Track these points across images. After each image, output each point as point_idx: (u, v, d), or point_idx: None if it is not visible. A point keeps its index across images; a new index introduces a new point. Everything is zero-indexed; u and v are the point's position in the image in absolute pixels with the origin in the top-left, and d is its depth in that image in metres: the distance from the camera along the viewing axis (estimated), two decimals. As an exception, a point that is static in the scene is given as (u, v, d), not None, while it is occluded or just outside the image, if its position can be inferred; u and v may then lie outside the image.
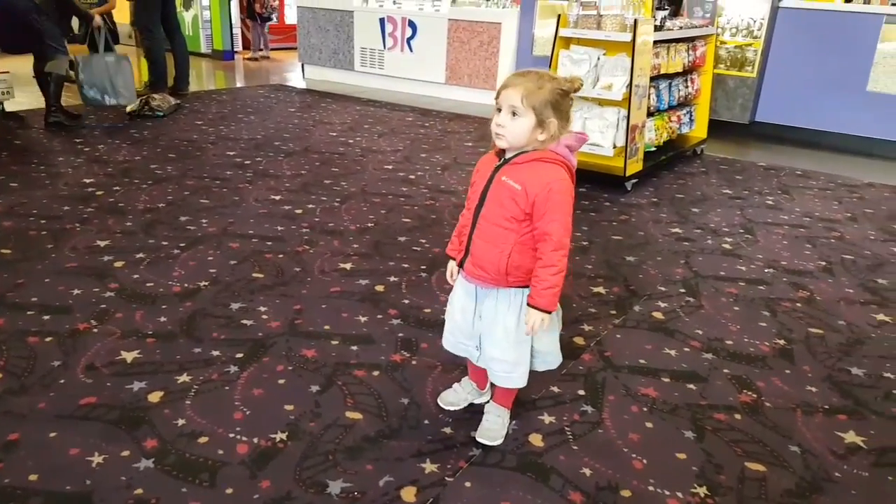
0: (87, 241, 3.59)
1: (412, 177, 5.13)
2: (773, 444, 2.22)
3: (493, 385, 2.23)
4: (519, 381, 2.09)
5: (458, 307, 2.11)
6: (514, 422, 2.25)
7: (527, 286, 1.95)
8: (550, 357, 2.13)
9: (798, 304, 3.26)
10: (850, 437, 2.28)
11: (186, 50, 8.25)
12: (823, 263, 3.78)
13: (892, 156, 6.47)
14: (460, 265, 2.06)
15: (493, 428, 2.16)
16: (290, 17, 13.73)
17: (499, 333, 2.02)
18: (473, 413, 2.28)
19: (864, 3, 7.59)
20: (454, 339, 2.17)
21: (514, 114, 1.82)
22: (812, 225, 4.43)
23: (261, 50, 12.47)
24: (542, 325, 1.90)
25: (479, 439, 2.15)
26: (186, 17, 12.15)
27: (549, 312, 1.90)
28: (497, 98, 1.86)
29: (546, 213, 1.84)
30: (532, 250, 1.91)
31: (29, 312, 2.83)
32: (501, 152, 1.93)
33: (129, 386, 2.36)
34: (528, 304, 1.91)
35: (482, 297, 2.04)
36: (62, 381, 2.38)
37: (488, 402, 2.26)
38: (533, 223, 1.87)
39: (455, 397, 2.33)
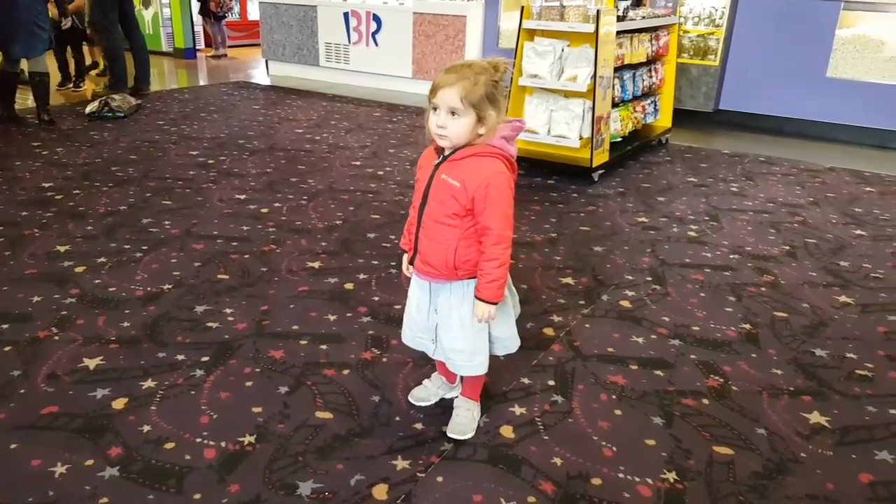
0: (46, 247, 3.52)
1: (380, 173, 5.10)
2: (741, 428, 2.24)
3: (462, 379, 2.23)
4: (479, 368, 2.10)
5: (415, 302, 2.12)
6: (484, 415, 2.25)
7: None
8: (509, 342, 2.14)
9: (763, 289, 3.30)
10: (815, 417, 2.31)
11: (146, 49, 8.12)
12: (787, 248, 3.83)
13: (852, 140, 6.58)
14: (411, 262, 2.07)
15: (463, 422, 2.17)
16: (253, 13, 13.58)
17: (454, 325, 2.03)
18: (445, 408, 2.27)
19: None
20: (411, 334, 2.18)
21: (453, 113, 1.79)
22: (776, 210, 4.49)
23: (208, 45, 12.31)
24: (491, 315, 1.93)
25: (449, 434, 2.15)
26: (146, 15, 11.96)
27: (496, 304, 1.92)
28: (432, 97, 1.82)
29: (486, 208, 1.84)
30: (478, 243, 1.92)
31: (-12, 321, 2.77)
32: (441, 148, 1.91)
33: (93, 393, 2.32)
34: (476, 297, 1.93)
35: (436, 292, 2.05)
36: (22, 390, 2.33)
37: (457, 396, 2.25)
38: (475, 218, 1.88)
39: (425, 393, 2.33)
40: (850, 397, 2.44)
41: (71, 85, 8.26)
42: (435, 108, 1.82)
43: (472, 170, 1.84)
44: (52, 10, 6.53)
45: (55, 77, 7.75)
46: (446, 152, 1.89)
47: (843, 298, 3.23)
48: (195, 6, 11.86)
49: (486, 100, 1.78)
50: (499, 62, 1.84)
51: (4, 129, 6.03)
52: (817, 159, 5.87)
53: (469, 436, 2.14)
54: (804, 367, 2.63)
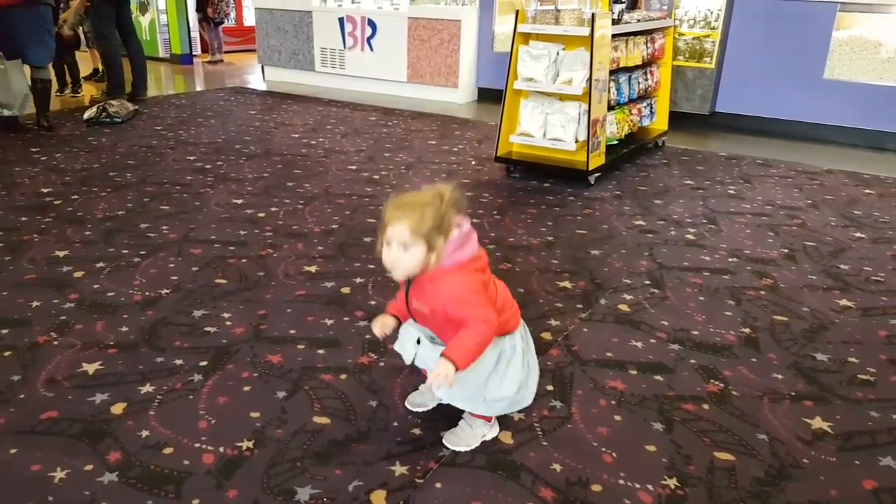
0: (45, 252, 3.51)
1: (376, 177, 5.10)
2: (742, 433, 2.23)
3: None
4: (484, 412, 2.11)
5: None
6: (497, 434, 2.20)
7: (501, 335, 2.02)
8: (521, 397, 2.12)
9: (762, 293, 3.29)
10: (817, 422, 2.30)
11: (143, 54, 8.11)
12: (786, 251, 3.83)
13: (849, 142, 6.60)
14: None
15: (460, 434, 2.14)
16: (249, 18, 13.58)
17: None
18: (443, 413, 2.26)
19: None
20: (399, 343, 2.17)
21: (404, 248, 1.87)
22: (774, 213, 4.49)
23: (205, 50, 12.34)
24: (449, 379, 1.87)
25: (444, 442, 2.13)
26: (143, 21, 11.97)
27: (457, 369, 1.88)
28: (383, 233, 1.91)
29: (459, 315, 1.90)
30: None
31: (-16, 327, 2.76)
32: None
33: (92, 398, 2.31)
34: (442, 355, 1.90)
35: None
36: (22, 395, 2.32)
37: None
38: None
39: (422, 398, 2.32)
40: (852, 402, 2.43)
41: (69, 91, 8.25)
42: (388, 243, 1.90)
43: (433, 294, 1.93)
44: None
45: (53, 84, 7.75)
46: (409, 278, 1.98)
47: (843, 302, 3.23)
48: (192, 13, 11.87)
49: (434, 230, 1.85)
50: (444, 191, 1.91)
51: (3, 136, 6.02)
52: (815, 161, 5.87)
53: (462, 448, 2.11)
54: (805, 371, 2.62)
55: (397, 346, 2.16)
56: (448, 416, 2.22)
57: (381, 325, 2.13)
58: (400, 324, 2.15)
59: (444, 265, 1.91)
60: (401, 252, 1.88)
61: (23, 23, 5.78)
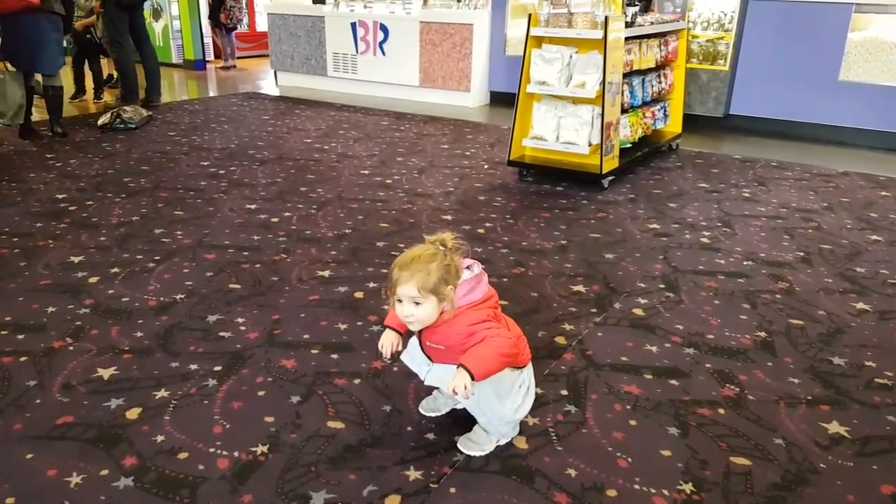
0: (60, 258, 3.54)
1: (388, 181, 5.10)
2: (758, 438, 2.21)
3: None
4: (498, 430, 2.13)
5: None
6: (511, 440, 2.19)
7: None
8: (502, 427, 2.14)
9: (778, 296, 3.27)
10: (834, 427, 2.28)
11: (156, 60, 8.16)
12: (802, 254, 3.80)
13: (865, 144, 6.54)
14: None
15: (474, 440, 2.14)
16: (262, 24, 13.64)
17: (483, 393, 2.03)
18: (456, 418, 2.25)
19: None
20: (408, 356, 2.19)
21: (416, 303, 1.93)
22: (789, 216, 4.46)
23: (218, 56, 12.43)
24: (465, 392, 1.89)
25: (459, 445, 2.14)
26: (156, 27, 12.05)
27: (474, 379, 1.90)
28: (393, 292, 1.96)
29: (477, 338, 1.95)
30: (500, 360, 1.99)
31: (2, 332, 2.78)
32: None
33: (107, 403, 2.32)
34: (459, 364, 1.93)
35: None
36: (38, 401, 2.33)
37: None
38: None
39: (435, 403, 2.32)
40: (869, 406, 2.41)
41: (85, 97, 8.33)
42: (400, 301, 1.96)
43: (448, 330, 1.99)
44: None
45: (69, 89, 7.82)
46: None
47: (860, 305, 3.20)
48: (205, 19, 11.94)
49: (441, 282, 1.92)
50: (446, 238, 1.97)
51: (18, 142, 6.08)
52: (830, 163, 5.83)
53: (475, 453, 2.11)
54: (821, 375, 2.60)
55: (406, 360, 2.19)
56: (462, 421, 2.21)
57: (390, 345, 2.15)
58: (402, 335, 2.16)
59: (458, 307, 1.98)
60: (413, 307, 1.94)
61: (33, 32, 5.83)
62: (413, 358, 2.16)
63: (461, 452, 2.11)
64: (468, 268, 2.01)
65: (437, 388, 2.34)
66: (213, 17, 11.81)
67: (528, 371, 2.16)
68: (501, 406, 2.06)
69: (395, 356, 2.20)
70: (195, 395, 2.38)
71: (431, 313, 1.95)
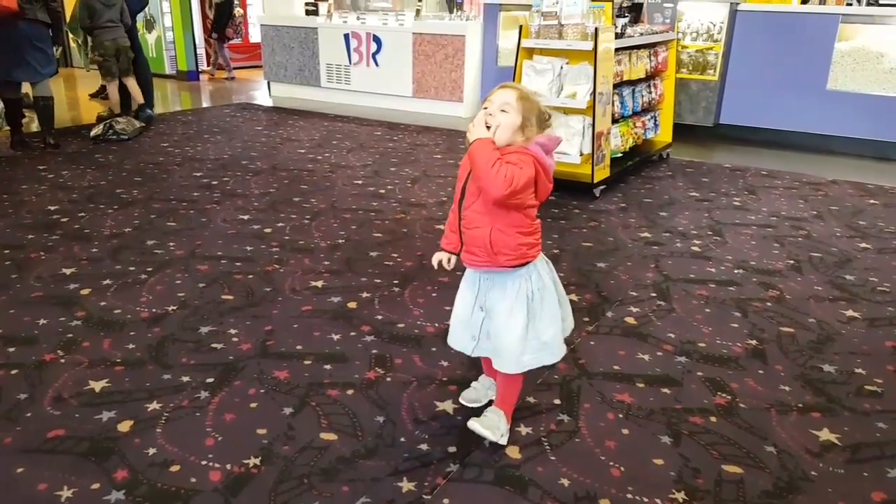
0: (52, 270, 3.53)
1: (382, 191, 5.11)
2: (749, 446, 2.22)
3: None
4: (523, 366, 2.11)
5: (460, 298, 2.18)
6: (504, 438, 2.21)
7: (521, 265, 2.02)
8: (554, 347, 2.13)
9: (768, 304, 3.29)
10: (825, 434, 2.29)
11: (149, 72, 8.14)
12: (792, 262, 3.82)
13: (853, 153, 6.59)
14: (458, 253, 2.15)
15: (489, 420, 2.16)
16: (255, 35, 13.66)
17: (500, 319, 2.06)
18: (450, 428, 2.26)
19: (820, 3, 7.76)
20: (455, 335, 2.22)
21: (503, 111, 1.93)
22: (779, 224, 4.48)
23: (220, 68, 12.46)
24: (469, 132, 1.98)
25: (470, 424, 2.16)
26: (149, 38, 12.04)
27: (471, 143, 1.96)
28: (486, 102, 1.98)
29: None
30: (514, 234, 1.98)
31: (-8, 345, 2.77)
32: None
33: (98, 416, 2.31)
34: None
35: (484, 290, 2.10)
36: (28, 414, 2.32)
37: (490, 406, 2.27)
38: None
39: (475, 394, 2.40)
40: (860, 413, 2.42)
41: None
42: (486, 108, 1.97)
43: None
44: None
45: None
46: None
47: (849, 313, 3.22)
48: (198, 29, 11.96)
49: (534, 114, 1.95)
50: (550, 117, 2.02)
51: (10, 153, 6.06)
52: (819, 172, 5.87)
53: (490, 436, 2.13)
54: (812, 382, 2.61)
55: (451, 342, 2.24)
56: (456, 430, 2.22)
57: (444, 259, 2.19)
58: (452, 255, 2.18)
59: (525, 147, 1.97)
60: (498, 112, 1.94)
61: (12, 39, 5.78)
62: (458, 337, 2.20)
63: (456, 461, 2.11)
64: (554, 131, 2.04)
65: (475, 381, 2.45)
66: (219, 30, 11.88)
67: (536, 272, 2.08)
68: (527, 338, 2.07)
69: (445, 270, 2.23)
70: (187, 408, 2.37)
71: (510, 126, 1.94)
